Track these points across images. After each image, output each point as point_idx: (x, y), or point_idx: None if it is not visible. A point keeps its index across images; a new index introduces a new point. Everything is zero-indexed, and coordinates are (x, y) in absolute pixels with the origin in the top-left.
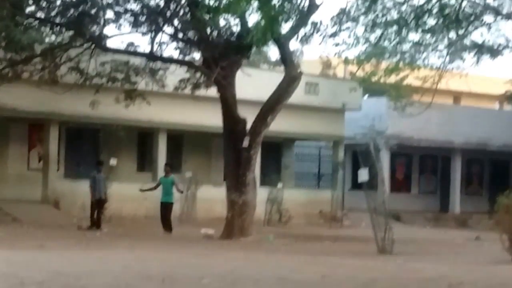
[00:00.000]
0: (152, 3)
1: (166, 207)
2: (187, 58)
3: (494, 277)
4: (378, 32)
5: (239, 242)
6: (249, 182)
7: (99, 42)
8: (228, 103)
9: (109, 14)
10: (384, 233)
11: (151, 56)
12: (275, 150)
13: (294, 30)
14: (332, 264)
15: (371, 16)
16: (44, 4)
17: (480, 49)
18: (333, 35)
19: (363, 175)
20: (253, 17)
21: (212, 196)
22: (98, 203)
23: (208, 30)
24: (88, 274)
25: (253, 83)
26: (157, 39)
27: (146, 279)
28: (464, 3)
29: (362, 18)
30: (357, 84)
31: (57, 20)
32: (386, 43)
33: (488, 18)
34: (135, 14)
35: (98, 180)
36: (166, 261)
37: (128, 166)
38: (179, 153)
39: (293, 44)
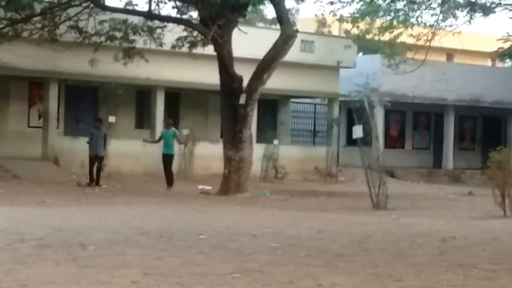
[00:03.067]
0: None
1: (166, 159)
2: (184, 16)
3: (487, 232)
4: None
5: (235, 198)
6: (245, 138)
7: (97, 0)
8: (224, 61)
9: None
10: (378, 188)
11: (149, 15)
12: (271, 107)
13: None
14: (327, 219)
15: None
16: None
17: (473, 7)
18: None
19: (358, 131)
20: None
21: (209, 153)
22: (96, 160)
23: None
24: (87, 230)
25: (250, 41)
26: None
27: (144, 234)
28: None
29: None
30: (351, 42)
31: None
32: (380, 1)
33: None
34: None
35: (95, 136)
36: (164, 217)
37: (127, 123)
38: (177, 110)
39: (289, 3)
